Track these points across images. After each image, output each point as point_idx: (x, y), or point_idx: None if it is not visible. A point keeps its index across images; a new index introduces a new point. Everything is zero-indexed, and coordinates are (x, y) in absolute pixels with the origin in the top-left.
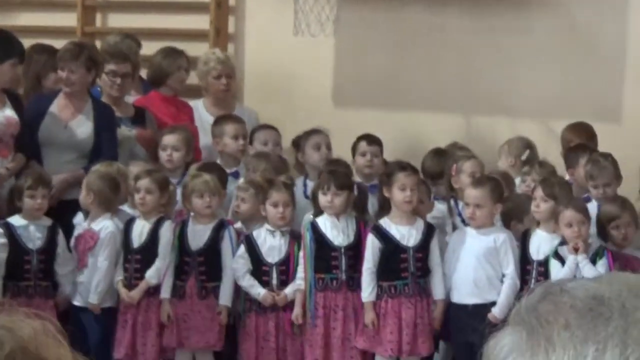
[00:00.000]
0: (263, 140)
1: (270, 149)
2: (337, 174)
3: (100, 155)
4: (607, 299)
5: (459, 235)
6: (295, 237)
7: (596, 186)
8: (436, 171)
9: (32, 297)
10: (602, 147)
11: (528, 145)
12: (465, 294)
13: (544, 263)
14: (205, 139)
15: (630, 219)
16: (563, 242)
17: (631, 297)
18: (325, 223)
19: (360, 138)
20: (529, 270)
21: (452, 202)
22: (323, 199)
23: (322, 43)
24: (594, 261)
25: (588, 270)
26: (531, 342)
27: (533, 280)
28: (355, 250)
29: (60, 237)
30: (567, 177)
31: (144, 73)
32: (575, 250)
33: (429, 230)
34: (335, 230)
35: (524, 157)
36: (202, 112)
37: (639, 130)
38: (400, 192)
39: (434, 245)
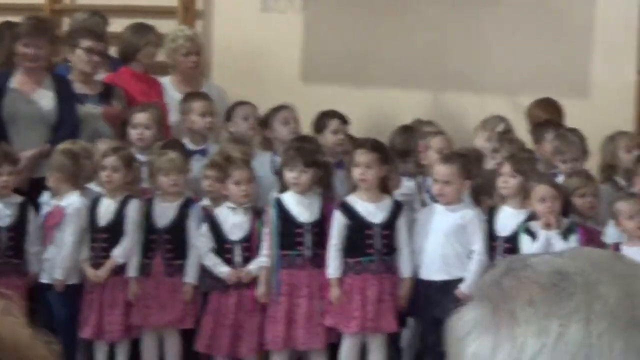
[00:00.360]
0: (243, 115)
1: (251, 123)
2: (303, 150)
3: (63, 126)
4: (571, 274)
5: (427, 212)
6: (257, 213)
7: (565, 161)
8: (404, 148)
9: (1, 274)
10: (569, 123)
11: (503, 120)
12: (433, 271)
13: (511, 239)
14: (173, 116)
15: (595, 189)
16: (530, 218)
17: (594, 272)
18: (290, 200)
19: (329, 115)
20: (495, 247)
21: (420, 178)
22: (289, 176)
23: (291, 19)
24: (565, 237)
25: (560, 246)
26: (495, 317)
27: (500, 257)
28: (320, 227)
29: (32, 215)
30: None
31: (111, 51)
32: (548, 225)
33: (396, 208)
34: (301, 207)
35: (499, 129)
36: (170, 89)
37: (606, 106)
38: (355, 169)
39: (402, 223)
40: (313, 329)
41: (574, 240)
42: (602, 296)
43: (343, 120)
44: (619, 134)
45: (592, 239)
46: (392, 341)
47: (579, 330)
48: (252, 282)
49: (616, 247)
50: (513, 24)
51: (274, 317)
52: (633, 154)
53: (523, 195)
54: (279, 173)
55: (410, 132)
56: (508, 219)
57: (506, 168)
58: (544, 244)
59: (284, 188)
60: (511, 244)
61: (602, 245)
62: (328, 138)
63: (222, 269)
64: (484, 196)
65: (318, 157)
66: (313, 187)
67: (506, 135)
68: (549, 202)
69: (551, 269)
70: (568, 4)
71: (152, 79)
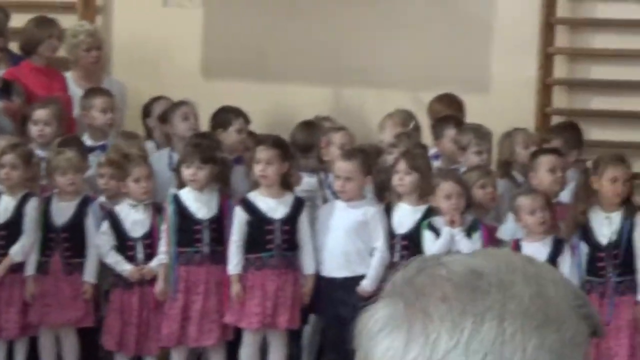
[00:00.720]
0: (183, 115)
1: (192, 123)
2: (201, 147)
3: None
4: (486, 274)
5: (328, 209)
6: (158, 210)
7: (480, 152)
8: (306, 144)
9: None
10: (470, 119)
11: (411, 116)
12: (335, 268)
13: (408, 236)
14: (73, 112)
15: (494, 181)
16: (428, 214)
17: (508, 273)
18: (188, 196)
19: (234, 113)
20: (393, 244)
21: (322, 175)
22: (186, 172)
23: (191, 14)
24: (468, 234)
25: (464, 244)
26: (408, 314)
27: (397, 254)
28: (219, 223)
29: None
30: (434, 149)
31: (11, 46)
32: (452, 223)
33: (298, 204)
34: (199, 204)
35: (411, 126)
36: (71, 85)
37: (506, 101)
38: (256, 166)
39: (303, 219)
40: (207, 325)
41: (477, 238)
42: (516, 296)
43: (246, 119)
44: (516, 130)
45: (492, 235)
46: (294, 338)
47: (492, 328)
48: (155, 279)
49: (515, 243)
50: (413, 19)
51: (169, 314)
52: (530, 150)
53: (419, 191)
54: (176, 169)
55: (312, 128)
56: (405, 216)
57: (402, 165)
58: (448, 241)
59: (181, 184)
60: (408, 240)
61: (500, 241)
62: (232, 136)
63: (124, 267)
64: (387, 192)
65: (216, 153)
66: (211, 183)
67: (403, 131)
68: (454, 199)
69: (465, 268)
70: (469, 0)
71: (54, 72)
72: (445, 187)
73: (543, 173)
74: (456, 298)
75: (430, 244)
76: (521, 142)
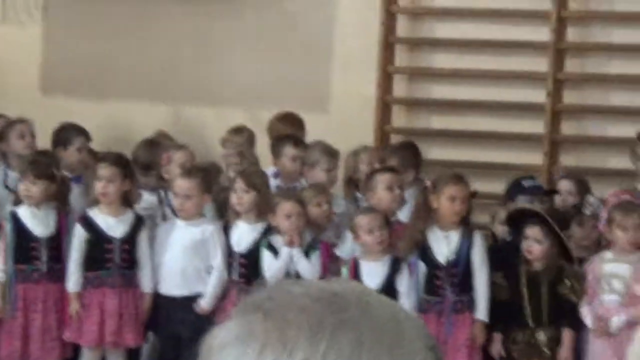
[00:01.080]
0: (20, 133)
1: (28, 141)
2: (36, 163)
3: None
4: (342, 293)
5: (168, 227)
6: None
7: (329, 170)
8: (147, 161)
9: None
10: (310, 137)
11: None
12: (172, 286)
13: (246, 255)
14: None
15: (329, 198)
16: (267, 232)
17: (364, 295)
18: (25, 213)
19: (75, 131)
20: (232, 263)
21: (162, 192)
22: (21, 187)
23: (30, 31)
24: (307, 254)
25: (303, 264)
26: (266, 324)
27: (236, 272)
28: (57, 241)
29: None
30: (273, 168)
31: None
32: (291, 243)
33: (137, 222)
34: (36, 221)
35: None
36: None
37: (346, 119)
38: (97, 183)
39: (142, 237)
40: (49, 343)
41: (315, 257)
42: (373, 315)
43: (87, 137)
44: (362, 148)
45: (331, 253)
46: (132, 355)
47: (351, 340)
48: None
49: (354, 261)
50: (252, 38)
51: (10, 333)
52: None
53: (258, 210)
54: (9, 187)
55: (154, 145)
56: (244, 234)
57: (239, 184)
58: (286, 261)
59: (18, 201)
60: (246, 259)
61: (338, 259)
62: (72, 155)
63: None
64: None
65: (52, 170)
66: (48, 201)
67: (239, 150)
68: (294, 219)
69: (323, 288)
70: (307, 18)
71: None
72: (286, 206)
73: (381, 191)
74: (315, 309)
75: (269, 263)
76: (365, 160)
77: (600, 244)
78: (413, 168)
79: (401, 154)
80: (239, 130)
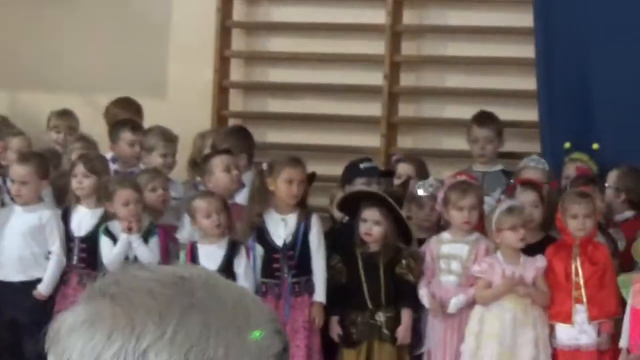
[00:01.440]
0: None
1: None
2: None
3: None
4: (190, 278)
5: (5, 213)
6: None
7: (165, 155)
8: None
9: None
10: (148, 122)
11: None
12: (11, 271)
13: (86, 239)
14: None
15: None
16: (106, 218)
17: (211, 279)
18: None
19: None
20: (72, 247)
21: (0, 179)
22: None
23: None
24: (145, 240)
25: (142, 250)
26: (113, 308)
27: (76, 257)
28: None
29: None
30: (110, 153)
31: None
32: (129, 230)
33: None
34: None
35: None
36: None
37: (183, 104)
38: None
39: None
40: None
41: (154, 242)
42: (221, 298)
43: None
44: (210, 131)
45: (170, 236)
46: None
47: (198, 323)
48: None
49: (192, 245)
50: (88, 24)
51: None
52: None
53: (97, 195)
54: None
55: None
56: (83, 219)
57: (80, 168)
58: (124, 247)
59: None
60: (86, 244)
61: (177, 242)
62: None
63: None
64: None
65: None
66: None
67: (77, 135)
68: (132, 206)
69: (170, 272)
70: (145, 4)
71: None
72: (124, 194)
73: (218, 173)
74: (163, 293)
75: (108, 249)
76: (209, 144)
77: (440, 225)
78: (245, 152)
79: (233, 138)
80: (66, 113)
